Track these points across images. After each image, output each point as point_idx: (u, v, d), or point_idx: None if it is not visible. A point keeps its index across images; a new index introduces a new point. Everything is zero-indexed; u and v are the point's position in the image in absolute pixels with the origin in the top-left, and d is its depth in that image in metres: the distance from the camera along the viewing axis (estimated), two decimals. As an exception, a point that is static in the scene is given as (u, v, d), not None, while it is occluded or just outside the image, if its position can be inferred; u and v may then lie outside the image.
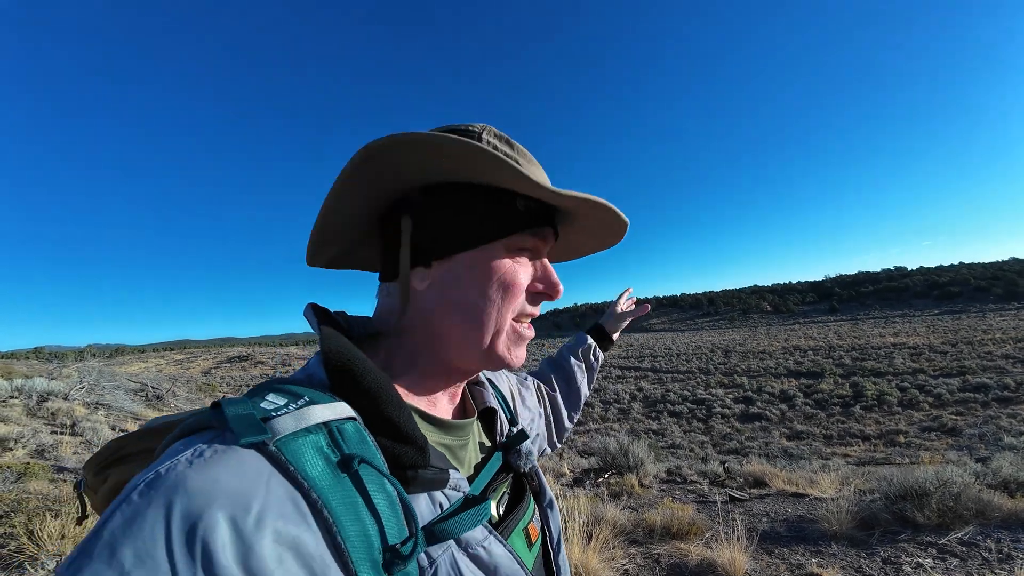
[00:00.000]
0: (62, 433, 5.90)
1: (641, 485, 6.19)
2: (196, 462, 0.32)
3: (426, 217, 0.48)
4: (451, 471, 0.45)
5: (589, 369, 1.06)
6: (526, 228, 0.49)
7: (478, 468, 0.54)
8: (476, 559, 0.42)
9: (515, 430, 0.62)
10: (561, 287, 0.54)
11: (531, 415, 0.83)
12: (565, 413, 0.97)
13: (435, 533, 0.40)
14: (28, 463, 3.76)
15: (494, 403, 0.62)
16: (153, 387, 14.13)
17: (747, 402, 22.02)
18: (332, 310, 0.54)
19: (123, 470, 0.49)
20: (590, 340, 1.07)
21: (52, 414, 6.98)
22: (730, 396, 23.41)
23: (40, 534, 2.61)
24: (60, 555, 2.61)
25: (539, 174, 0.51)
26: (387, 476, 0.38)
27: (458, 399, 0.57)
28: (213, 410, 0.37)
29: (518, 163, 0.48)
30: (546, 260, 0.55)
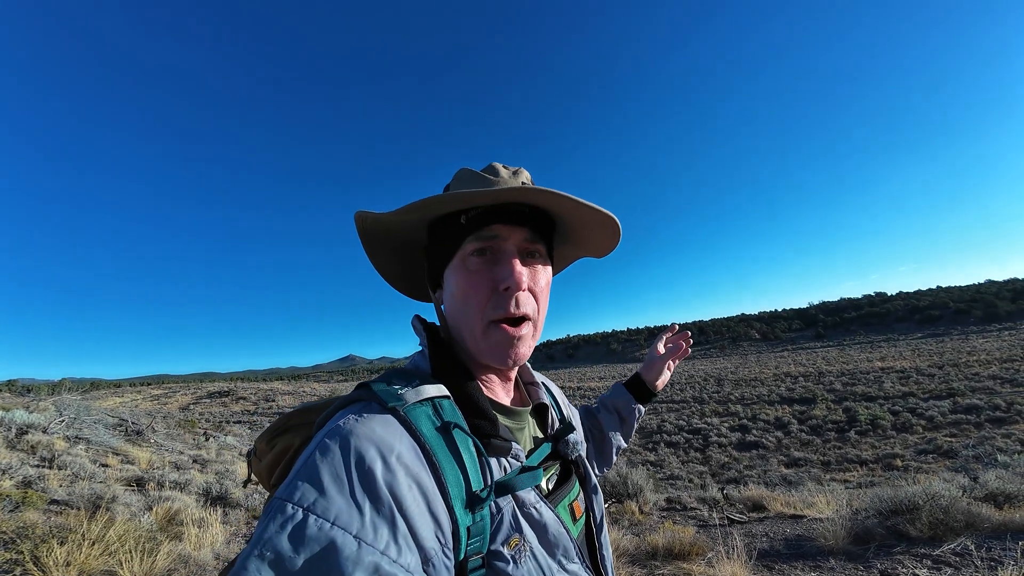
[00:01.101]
0: (43, 466, 5.72)
1: (641, 512, 6.12)
2: (360, 419, 0.48)
3: (428, 249, 0.65)
4: (513, 443, 0.57)
5: (623, 423, 1.02)
6: (464, 236, 0.58)
7: (531, 452, 0.64)
8: (529, 517, 0.54)
9: (563, 425, 0.71)
10: (510, 277, 0.55)
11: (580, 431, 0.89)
12: (594, 464, 0.98)
13: (501, 486, 0.52)
14: (26, 492, 3.66)
15: (547, 400, 0.72)
16: (133, 422, 13.64)
17: (743, 430, 21.87)
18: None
19: (287, 438, 0.64)
20: (627, 394, 1.02)
21: (32, 447, 6.74)
22: (726, 424, 23.24)
23: (46, 561, 2.57)
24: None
25: (476, 188, 0.58)
26: (472, 437, 0.52)
27: (512, 392, 0.69)
28: (363, 388, 0.54)
29: (450, 189, 0.64)
30: (510, 257, 0.57)
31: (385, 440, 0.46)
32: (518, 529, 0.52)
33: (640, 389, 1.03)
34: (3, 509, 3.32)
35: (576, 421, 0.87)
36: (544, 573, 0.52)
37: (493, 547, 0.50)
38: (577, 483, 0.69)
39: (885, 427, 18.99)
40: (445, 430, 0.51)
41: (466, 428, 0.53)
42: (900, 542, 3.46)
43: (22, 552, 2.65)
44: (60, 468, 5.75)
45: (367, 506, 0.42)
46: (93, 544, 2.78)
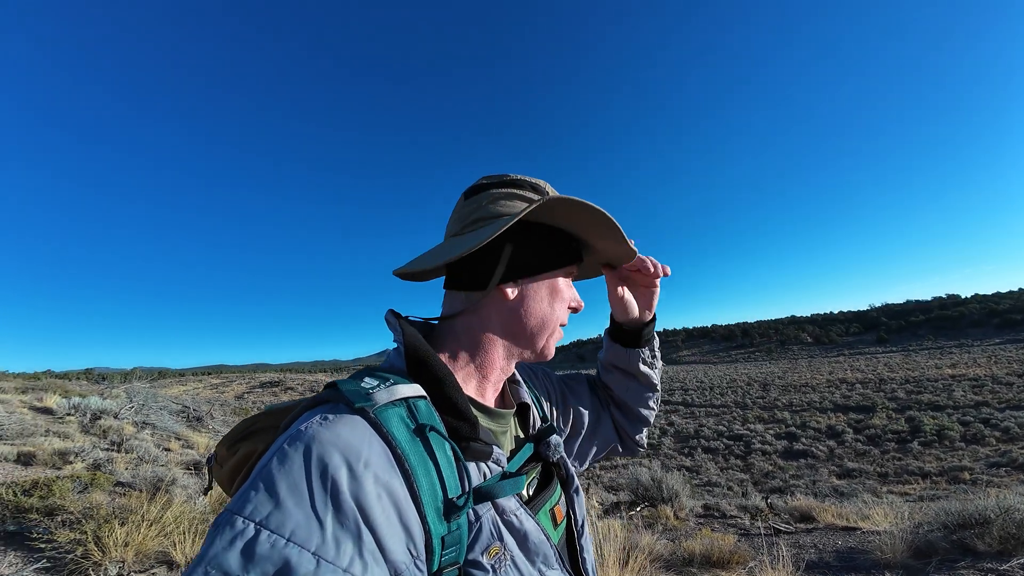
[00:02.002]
0: (112, 450, 6.24)
1: (677, 517, 5.90)
2: (324, 423, 0.44)
3: (521, 246, 0.62)
4: (494, 447, 0.55)
5: (631, 377, 0.88)
6: (575, 261, 0.67)
7: (513, 453, 0.64)
8: (509, 525, 0.52)
9: (545, 425, 0.71)
10: (583, 303, 0.72)
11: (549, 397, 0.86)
12: (580, 461, 0.89)
13: (481, 493, 0.50)
14: (95, 474, 4.00)
15: (528, 400, 0.71)
16: (194, 409, 14.69)
17: (790, 438, 20.72)
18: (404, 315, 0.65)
19: (250, 443, 0.61)
20: (614, 346, 0.89)
21: (104, 431, 7.36)
22: (771, 432, 22.09)
23: (107, 541, 2.72)
24: (123, 561, 2.73)
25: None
26: (450, 442, 0.49)
27: (498, 392, 0.67)
28: (330, 388, 0.50)
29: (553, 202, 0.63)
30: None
31: (352, 445, 0.43)
32: (498, 537, 0.50)
33: (623, 333, 0.87)
34: (73, 490, 3.60)
35: (578, 399, 0.88)
36: None
37: (471, 556, 0.48)
38: (558, 486, 0.67)
39: (953, 438, 17.44)
40: (420, 433, 0.48)
41: (443, 431, 0.50)
42: (965, 556, 3.17)
43: (85, 532, 2.82)
44: (127, 452, 6.26)
45: (329, 519, 0.39)
46: (151, 525, 2.94)
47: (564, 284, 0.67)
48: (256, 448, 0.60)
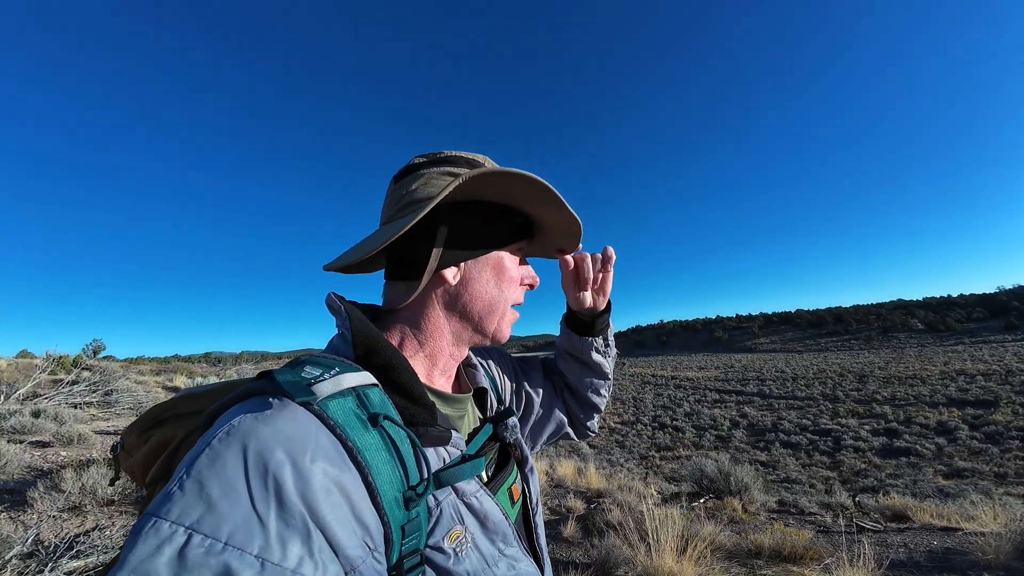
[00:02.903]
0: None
1: (745, 511, 5.61)
2: (261, 416, 0.40)
3: (458, 226, 0.59)
4: (452, 432, 0.55)
5: (585, 367, 0.89)
6: (522, 237, 0.65)
7: (471, 436, 0.63)
8: (470, 507, 0.52)
9: (502, 407, 0.72)
10: (538, 278, 0.70)
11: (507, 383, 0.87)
12: (539, 440, 0.91)
13: (441, 478, 0.49)
14: None
15: (485, 384, 0.72)
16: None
17: (890, 434, 18.64)
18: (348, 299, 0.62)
19: (164, 431, 0.57)
20: (567, 331, 0.89)
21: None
22: (866, 427, 19.99)
23: None
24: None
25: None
26: (405, 429, 0.48)
27: (453, 378, 0.66)
28: (264, 378, 0.46)
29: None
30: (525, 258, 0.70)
31: (295, 439, 0.39)
32: (460, 520, 0.50)
33: (577, 321, 0.86)
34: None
35: (531, 382, 0.89)
36: (487, 563, 0.50)
37: (432, 541, 0.47)
38: (515, 467, 0.68)
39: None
40: (374, 422, 0.46)
41: (398, 419, 0.48)
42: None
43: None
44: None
45: (272, 518, 0.36)
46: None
47: (512, 262, 0.65)
48: (173, 435, 0.56)
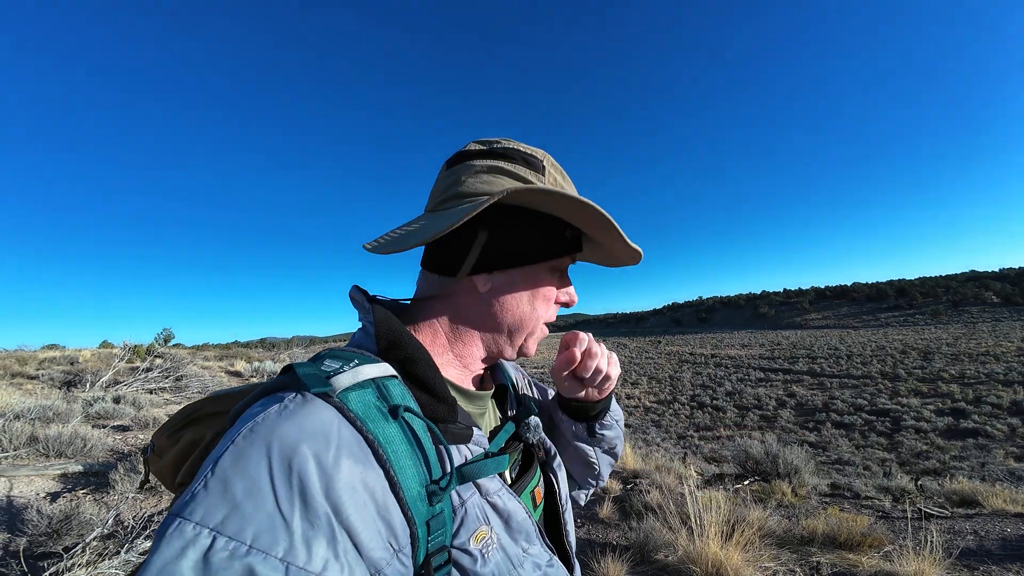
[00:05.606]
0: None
1: (795, 495, 5.40)
2: (283, 412, 0.39)
3: (499, 233, 0.54)
4: (474, 429, 0.53)
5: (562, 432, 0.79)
6: (567, 253, 0.58)
7: (493, 434, 0.61)
8: (494, 506, 0.50)
9: (524, 408, 0.69)
10: (576, 298, 0.64)
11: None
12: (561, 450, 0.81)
13: (464, 473, 0.48)
14: None
15: (505, 381, 0.70)
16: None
17: (957, 415, 17.37)
18: (371, 293, 0.60)
19: (196, 430, 0.56)
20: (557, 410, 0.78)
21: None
22: (930, 407, 18.70)
23: None
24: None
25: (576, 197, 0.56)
26: (426, 421, 0.46)
27: (473, 375, 0.63)
28: (286, 373, 0.45)
29: (551, 183, 0.57)
30: (566, 276, 0.64)
31: (318, 435, 0.38)
32: (485, 520, 0.48)
33: (566, 407, 0.75)
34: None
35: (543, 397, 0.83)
36: (512, 563, 0.48)
37: (458, 542, 0.45)
38: (538, 469, 0.65)
39: None
40: (394, 414, 0.44)
41: (418, 411, 0.46)
42: None
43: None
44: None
45: (297, 520, 0.35)
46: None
47: (551, 278, 0.60)
48: (203, 435, 0.54)
